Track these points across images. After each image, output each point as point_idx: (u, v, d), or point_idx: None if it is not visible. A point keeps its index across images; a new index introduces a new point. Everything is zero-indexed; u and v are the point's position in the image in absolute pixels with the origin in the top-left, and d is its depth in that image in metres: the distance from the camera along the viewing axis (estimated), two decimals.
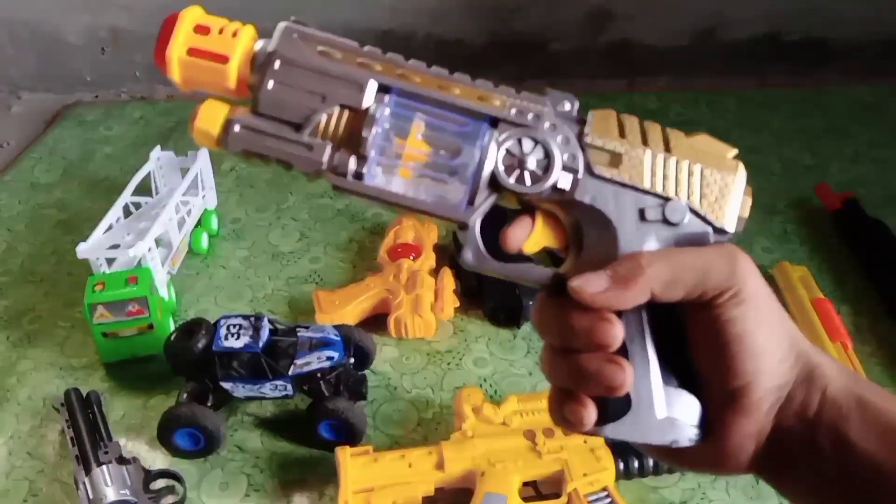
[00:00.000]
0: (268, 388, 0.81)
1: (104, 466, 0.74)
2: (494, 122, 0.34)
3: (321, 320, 0.92)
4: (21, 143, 1.46)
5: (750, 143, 1.34)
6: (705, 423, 0.35)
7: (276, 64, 0.33)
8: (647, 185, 0.35)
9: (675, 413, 0.35)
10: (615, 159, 0.35)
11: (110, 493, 0.72)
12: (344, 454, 0.74)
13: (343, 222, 1.17)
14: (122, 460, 0.76)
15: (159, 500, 0.76)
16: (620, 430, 0.35)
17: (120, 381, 0.90)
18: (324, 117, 0.34)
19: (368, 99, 0.34)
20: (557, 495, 0.73)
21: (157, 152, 1.12)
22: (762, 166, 1.28)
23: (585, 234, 0.35)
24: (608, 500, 0.72)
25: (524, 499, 0.72)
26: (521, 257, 0.36)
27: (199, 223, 1.12)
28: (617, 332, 0.34)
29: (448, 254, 1.04)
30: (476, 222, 0.35)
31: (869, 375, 0.85)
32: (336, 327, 0.84)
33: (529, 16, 1.54)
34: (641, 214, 0.35)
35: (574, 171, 0.34)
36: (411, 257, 1.00)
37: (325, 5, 1.54)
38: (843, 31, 1.56)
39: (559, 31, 1.57)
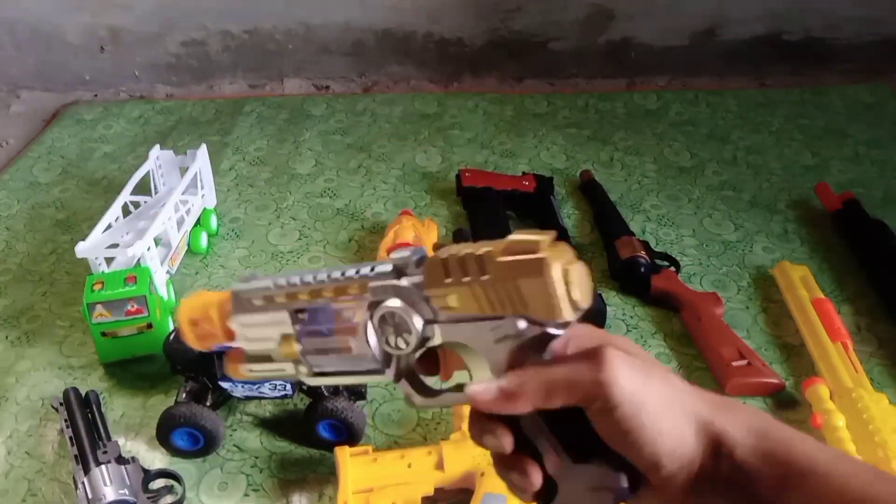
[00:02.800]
0: (267, 388, 0.81)
1: (103, 466, 0.74)
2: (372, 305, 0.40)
3: None
4: (20, 142, 1.46)
5: (750, 143, 1.34)
6: (634, 484, 0.37)
7: (237, 325, 0.45)
8: (481, 312, 0.38)
9: (597, 483, 0.37)
10: (453, 302, 0.38)
11: (109, 493, 0.72)
12: (343, 454, 0.74)
13: (342, 222, 1.17)
14: (120, 460, 0.76)
15: (158, 499, 0.75)
16: None
17: (119, 380, 0.90)
18: (278, 345, 0.44)
19: (288, 328, 0.44)
20: None
21: (156, 151, 1.12)
22: (762, 166, 1.28)
23: (466, 360, 0.41)
24: None
25: None
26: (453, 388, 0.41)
27: (198, 222, 1.11)
28: (502, 443, 0.38)
29: None
30: (401, 378, 0.41)
31: (869, 375, 0.85)
32: None
33: (529, 15, 1.54)
34: (491, 335, 0.38)
35: (431, 322, 0.39)
36: None
37: (325, 5, 1.54)
38: (843, 31, 1.56)
39: (559, 31, 1.57)
